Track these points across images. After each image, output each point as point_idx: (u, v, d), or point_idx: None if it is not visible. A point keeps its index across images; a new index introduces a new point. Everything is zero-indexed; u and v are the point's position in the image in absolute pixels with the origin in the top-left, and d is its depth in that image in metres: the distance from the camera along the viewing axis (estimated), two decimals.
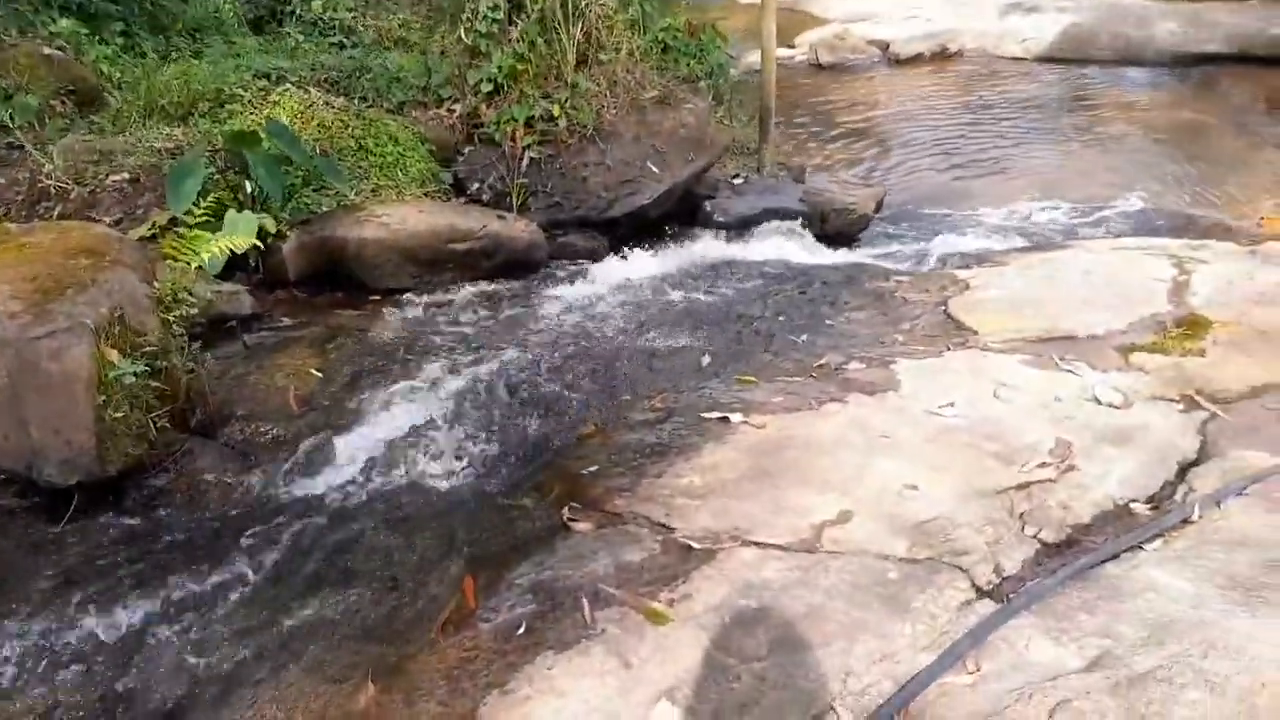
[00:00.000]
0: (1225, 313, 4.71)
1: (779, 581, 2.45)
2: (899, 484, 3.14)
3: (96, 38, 6.51)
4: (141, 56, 6.61)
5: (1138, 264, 5.63)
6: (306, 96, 6.04)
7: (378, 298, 5.03)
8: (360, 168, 5.74)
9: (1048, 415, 3.81)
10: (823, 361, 4.33)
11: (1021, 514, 2.99)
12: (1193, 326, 4.54)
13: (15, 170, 4.96)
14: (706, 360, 4.24)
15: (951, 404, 3.91)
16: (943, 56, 15.22)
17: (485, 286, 5.19)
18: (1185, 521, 3.08)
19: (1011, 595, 2.56)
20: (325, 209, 5.19)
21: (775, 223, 6.96)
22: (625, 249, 6.05)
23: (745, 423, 3.56)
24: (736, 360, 4.27)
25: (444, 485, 3.16)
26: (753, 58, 10.12)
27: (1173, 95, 14.19)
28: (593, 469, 3.10)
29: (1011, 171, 11.62)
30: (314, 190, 5.33)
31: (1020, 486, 3.17)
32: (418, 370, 3.90)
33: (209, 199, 4.72)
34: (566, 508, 2.85)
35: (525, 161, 6.13)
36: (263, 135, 4.74)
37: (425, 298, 5.01)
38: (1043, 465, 3.44)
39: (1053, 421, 3.76)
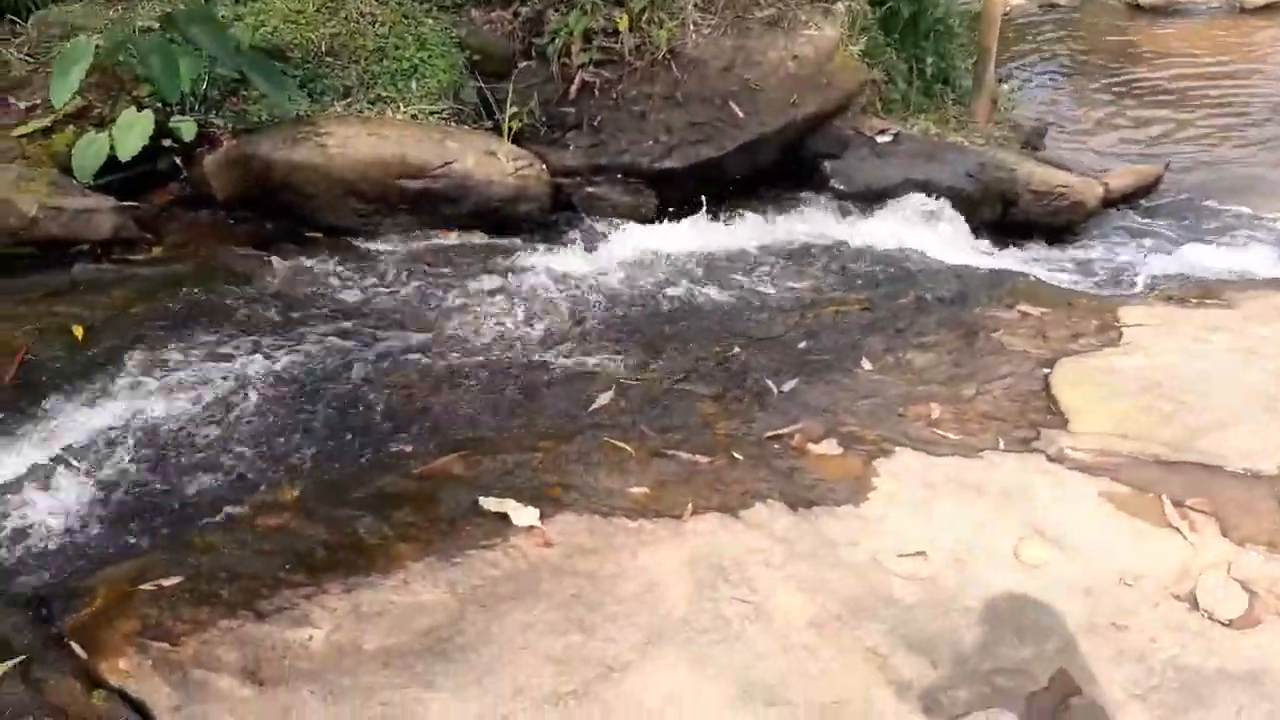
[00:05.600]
0: None
1: None
2: None
3: None
4: None
5: None
6: None
7: (317, 236, 4.08)
8: (369, 74, 4.75)
9: (1082, 616, 2.19)
10: (784, 431, 2.87)
11: None
12: None
13: None
14: (604, 400, 2.92)
15: (923, 553, 2.37)
16: None
17: (446, 240, 4.08)
18: None
19: None
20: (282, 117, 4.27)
21: (919, 198, 5.23)
22: (679, 212, 4.67)
23: (531, 530, 2.25)
24: (652, 407, 2.91)
25: None
26: None
27: None
28: (176, 580, 1.95)
29: None
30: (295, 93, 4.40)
31: None
32: (196, 355, 2.90)
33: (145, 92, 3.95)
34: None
35: (576, 85, 4.87)
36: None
37: (366, 245, 3.99)
38: None
39: (1086, 633, 2.15)
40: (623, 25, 4.80)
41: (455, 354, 3.08)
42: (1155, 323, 3.71)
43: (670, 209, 4.70)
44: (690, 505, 2.42)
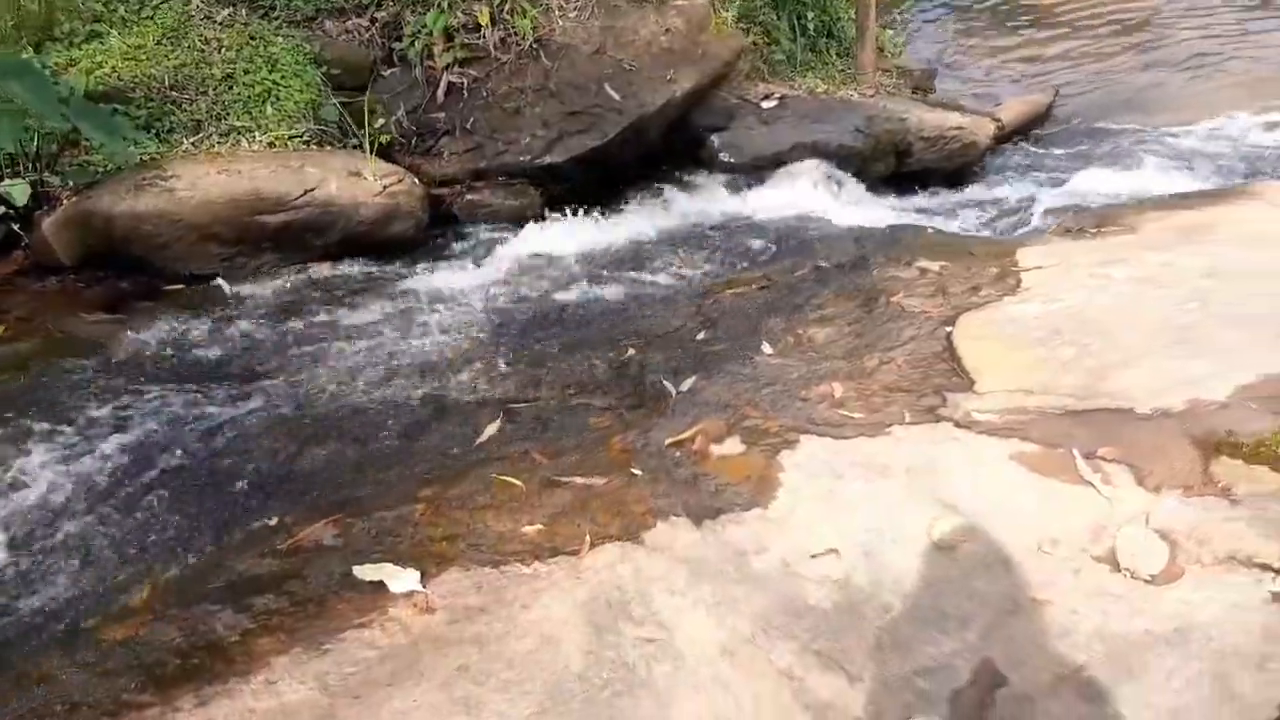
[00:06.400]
0: None
1: None
2: None
3: None
4: None
5: None
6: (186, 8, 4.80)
7: (179, 287, 3.82)
8: (220, 104, 4.47)
9: (1002, 595, 2.09)
10: (685, 435, 2.73)
11: None
12: None
13: None
14: (492, 429, 2.75)
15: (834, 550, 2.26)
16: None
17: (316, 273, 3.86)
18: None
19: None
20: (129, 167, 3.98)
21: (810, 162, 5.12)
22: (568, 207, 4.49)
23: (411, 596, 2.08)
24: (544, 429, 2.75)
25: None
26: None
27: None
28: None
29: (1239, 70, 8.80)
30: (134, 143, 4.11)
31: None
32: (33, 446, 2.63)
33: None
34: None
35: (443, 88, 4.65)
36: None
37: (232, 290, 3.75)
38: None
39: (1007, 614, 2.05)
40: (484, 19, 4.60)
41: (327, 402, 2.88)
42: (1053, 263, 3.65)
43: (559, 206, 4.53)
44: (588, 537, 2.26)
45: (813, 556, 2.25)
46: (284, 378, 3.03)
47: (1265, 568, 2.10)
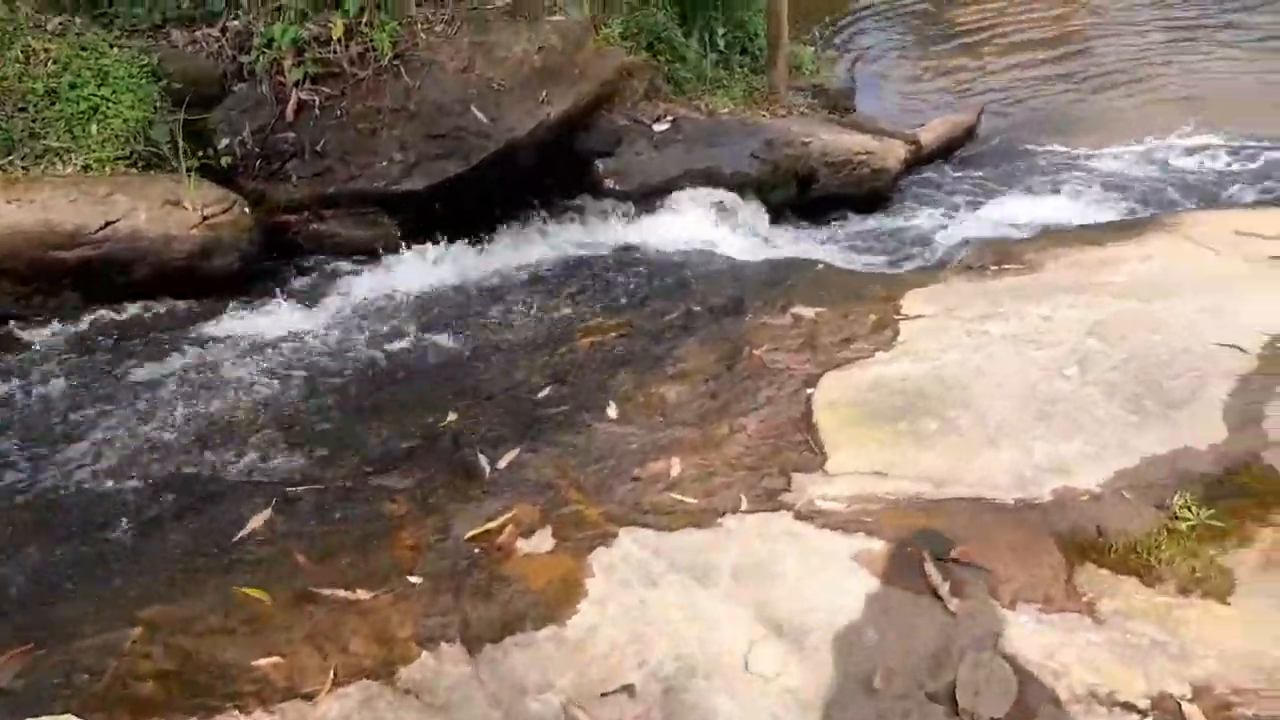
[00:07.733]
0: None
1: None
2: None
3: None
4: None
5: (1233, 290, 3.19)
6: (13, 15, 4.33)
7: None
8: (39, 122, 4.01)
9: None
10: (491, 525, 2.36)
11: None
12: (1242, 505, 2.21)
13: None
14: (257, 522, 2.34)
15: (629, 687, 1.89)
16: None
17: (123, 314, 3.45)
18: None
19: None
20: None
21: (702, 191, 4.76)
22: (429, 239, 4.09)
23: None
24: (322, 521, 2.35)
25: None
26: None
27: None
28: None
29: (1166, 89, 8.61)
30: None
31: None
32: None
33: None
34: None
35: (293, 106, 4.23)
36: None
37: (24, 332, 3.31)
38: None
39: None
40: (337, 32, 4.18)
41: (71, 485, 2.45)
42: (934, 311, 3.32)
43: (420, 237, 4.12)
44: (332, 674, 1.86)
45: (602, 696, 1.88)
46: (32, 451, 2.60)
47: (1128, 708, 1.79)
